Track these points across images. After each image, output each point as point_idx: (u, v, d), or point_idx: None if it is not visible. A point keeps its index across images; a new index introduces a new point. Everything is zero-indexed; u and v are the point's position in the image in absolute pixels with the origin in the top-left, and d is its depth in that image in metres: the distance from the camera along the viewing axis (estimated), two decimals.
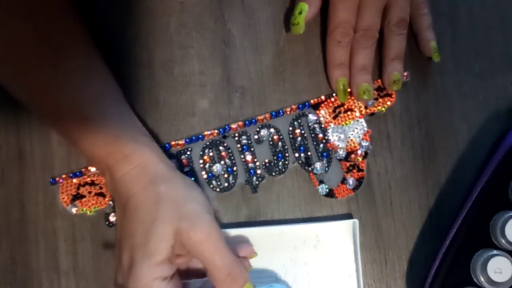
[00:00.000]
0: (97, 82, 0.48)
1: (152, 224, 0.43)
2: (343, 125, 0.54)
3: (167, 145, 0.52)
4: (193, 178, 0.52)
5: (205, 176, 0.52)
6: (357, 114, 0.54)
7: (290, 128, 0.53)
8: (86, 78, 0.47)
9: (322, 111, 0.54)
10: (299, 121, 0.53)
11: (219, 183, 0.53)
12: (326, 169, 0.53)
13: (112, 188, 0.47)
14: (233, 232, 0.52)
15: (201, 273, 0.48)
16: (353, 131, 0.54)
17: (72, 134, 0.47)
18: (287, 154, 0.53)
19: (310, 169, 0.53)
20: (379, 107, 0.54)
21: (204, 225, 0.44)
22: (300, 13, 0.51)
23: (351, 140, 0.54)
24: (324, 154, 0.53)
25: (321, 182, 0.53)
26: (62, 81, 0.46)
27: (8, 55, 0.46)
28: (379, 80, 0.54)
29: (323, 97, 0.54)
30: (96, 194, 0.52)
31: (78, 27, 0.48)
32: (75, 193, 0.52)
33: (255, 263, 0.51)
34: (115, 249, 0.48)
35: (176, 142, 0.52)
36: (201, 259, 0.44)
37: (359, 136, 0.54)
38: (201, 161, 0.53)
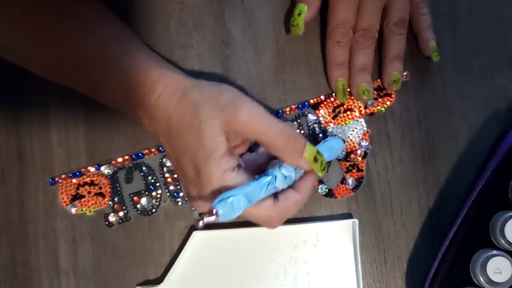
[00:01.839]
0: (112, 24, 0.49)
1: (199, 127, 0.44)
2: (342, 125, 0.54)
3: None
4: None
5: None
6: (357, 114, 0.54)
7: None
8: (102, 22, 0.48)
9: (321, 111, 0.54)
10: (299, 121, 0.53)
11: None
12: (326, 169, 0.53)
13: (150, 121, 0.47)
14: (233, 232, 0.52)
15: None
16: (353, 131, 0.54)
17: (98, 80, 0.47)
18: None
19: None
20: (379, 107, 0.54)
21: (247, 105, 0.44)
22: (300, 14, 0.51)
23: (351, 140, 0.54)
24: None
25: (320, 182, 0.53)
26: (79, 29, 0.46)
27: (20, 15, 0.46)
28: (379, 80, 0.54)
29: (322, 97, 0.54)
30: (95, 194, 0.52)
31: None
32: (74, 193, 0.52)
33: (255, 262, 0.52)
34: (176, 172, 0.50)
35: None
36: (257, 136, 0.44)
37: (359, 136, 0.54)
38: None
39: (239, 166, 0.45)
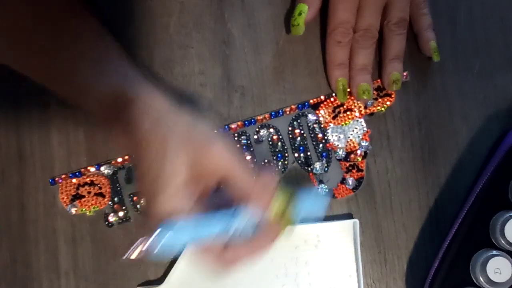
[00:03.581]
0: (101, 37, 0.48)
1: (165, 153, 0.43)
2: (342, 125, 0.54)
3: None
4: None
5: None
6: (357, 114, 0.54)
7: (290, 128, 0.53)
8: (90, 32, 0.47)
9: (321, 111, 0.54)
10: (299, 121, 0.53)
11: None
12: (326, 169, 0.53)
13: (123, 136, 0.46)
14: None
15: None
16: (353, 131, 0.54)
17: (79, 87, 0.47)
18: (286, 154, 0.53)
19: (309, 169, 0.53)
20: (379, 107, 0.54)
21: (218, 142, 0.44)
22: (300, 14, 0.51)
23: (351, 140, 0.54)
24: (324, 154, 0.53)
25: (320, 182, 0.53)
26: (66, 40, 0.46)
27: (8, 25, 0.45)
28: (379, 80, 0.54)
29: (322, 97, 0.54)
30: (95, 194, 0.52)
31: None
32: (74, 193, 0.52)
33: (256, 262, 0.52)
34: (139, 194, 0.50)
35: None
36: (224, 172, 0.43)
37: (359, 136, 0.54)
38: None
39: (194, 203, 0.44)
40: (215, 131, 0.45)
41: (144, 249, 0.38)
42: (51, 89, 0.50)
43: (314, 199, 0.46)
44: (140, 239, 0.39)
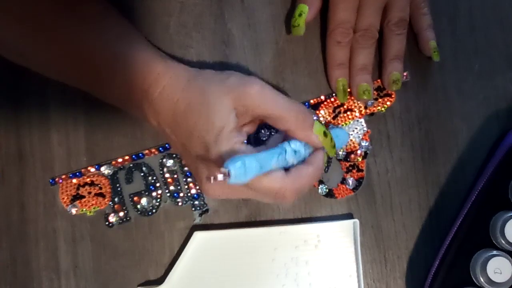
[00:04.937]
0: (115, 22, 0.49)
1: (208, 107, 0.44)
2: (343, 125, 0.54)
3: (167, 145, 0.52)
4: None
5: None
6: (357, 114, 0.54)
7: None
8: (105, 19, 0.48)
9: (322, 111, 0.54)
10: None
11: None
12: (326, 169, 0.53)
13: (154, 114, 0.47)
14: (234, 232, 0.52)
15: None
16: (353, 131, 0.54)
17: (102, 76, 0.47)
18: None
19: None
20: (379, 107, 0.54)
21: (255, 82, 0.45)
22: (300, 14, 0.51)
23: (351, 140, 0.54)
24: None
25: (320, 182, 0.53)
26: (82, 26, 0.47)
27: (23, 14, 0.46)
28: (379, 80, 0.54)
29: (323, 97, 0.54)
30: (95, 194, 0.52)
31: None
32: (75, 194, 0.52)
33: (256, 262, 0.52)
34: (183, 159, 0.52)
35: None
36: (267, 111, 0.44)
37: (359, 136, 0.54)
38: None
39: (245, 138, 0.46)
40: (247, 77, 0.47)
41: (219, 178, 0.39)
42: (73, 82, 0.50)
43: (338, 131, 0.51)
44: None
